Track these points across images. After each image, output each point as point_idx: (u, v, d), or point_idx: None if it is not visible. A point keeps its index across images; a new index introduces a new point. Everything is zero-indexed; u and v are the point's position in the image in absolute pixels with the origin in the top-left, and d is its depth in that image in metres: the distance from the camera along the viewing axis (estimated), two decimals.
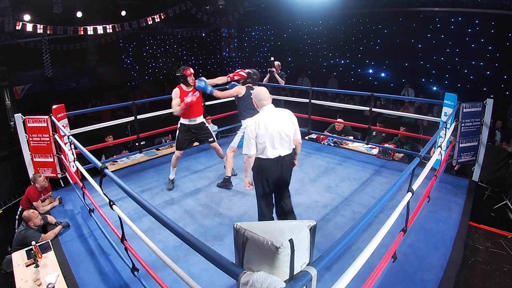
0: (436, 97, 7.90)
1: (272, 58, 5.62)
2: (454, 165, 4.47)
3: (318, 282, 1.26)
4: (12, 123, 8.27)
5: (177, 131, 4.08)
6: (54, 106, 4.11)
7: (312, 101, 5.49)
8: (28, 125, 4.10)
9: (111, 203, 2.34)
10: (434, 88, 8.76)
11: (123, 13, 9.27)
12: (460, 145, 4.17)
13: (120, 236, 2.37)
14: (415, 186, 2.33)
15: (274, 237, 1.23)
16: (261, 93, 2.63)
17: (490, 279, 2.62)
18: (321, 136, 5.66)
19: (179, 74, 3.91)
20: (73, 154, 3.88)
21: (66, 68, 10.43)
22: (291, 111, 2.72)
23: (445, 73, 8.47)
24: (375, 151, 5.10)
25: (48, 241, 3.08)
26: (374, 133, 5.52)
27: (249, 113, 3.62)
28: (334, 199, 3.75)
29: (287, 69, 7.56)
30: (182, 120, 4.01)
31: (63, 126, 4.04)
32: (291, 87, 7.40)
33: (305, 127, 5.40)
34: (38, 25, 7.91)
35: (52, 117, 4.05)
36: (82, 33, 8.63)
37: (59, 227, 3.32)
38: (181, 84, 3.94)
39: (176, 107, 3.82)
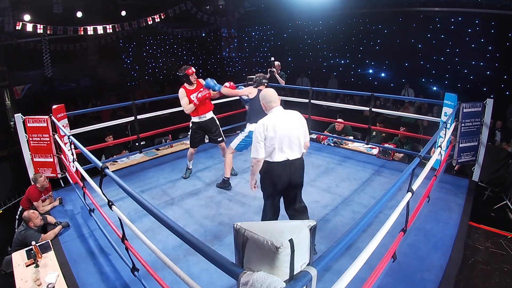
0: (436, 97, 7.90)
1: (272, 58, 5.63)
2: (454, 165, 4.47)
3: (318, 282, 1.26)
4: (12, 123, 8.27)
5: (190, 130, 4.22)
6: (54, 106, 4.10)
7: (312, 101, 5.49)
8: (28, 125, 4.10)
9: (110, 203, 2.34)
10: (434, 88, 8.76)
11: (123, 13, 9.26)
12: (460, 145, 4.17)
13: (121, 236, 2.37)
14: (415, 186, 2.33)
15: (274, 237, 1.23)
16: (269, 94, 2.58)
17: (490, 279, 2.62)
18: (321, 136, 5.66)
19: (181, 74, 4.00)
20: (73, 154, 3.88)
21: (66, 68, 10.41)
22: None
23: (445, 73, 8.47)
24: (375, 151, 5.10)
25: (48, 241, 3.08)
26: (374, 133, 5.52)
27: (257, 117, 3.61)
28: (334, 199, 3.75)
29: (287, 69, 7.56)
30: (193, 118, 4.14)
31: (63, 126, 4.04)
32: (291, 87, 7.41)
33: None
34: (38, 25, 7.90)
35: (52, 117, 4.05)
36: (82, 33, 8.62)
37: (59, 227, 3.32)
38: (185, 84, 4.05)
39: (187, 105, 3.95)
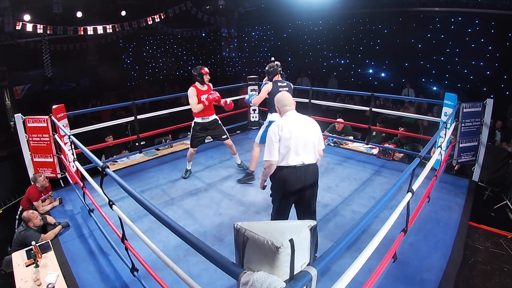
0: (436, 97, 7.91)
1: (273, 58, 5.63)
2: (454, 165, 4.47)
3: (318, 282, 1.26)
4: (12, 123, 8.27)
5: (191, 130, 4.26)
6: (54, 106, 4.10)
7: (312, 101, 5.49)
8: (28, 125, 4.10)
9: (111, 203, 2.34)
10: (434, 88, 8.76)
11: (123, 13, 9.26)
12: (460, 145, 4.17)
13: (121, 235, 2.37)
14: (415, 186, 2.33)
15: (274, 237, 1.23)
16: (284, 98, 2.52)
17: (490, 279, 2.62)
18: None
19: (195, 73, 4.06)
20: (73, 154, 3.88)
21: (66, 68, 10.42)
22: None
23: (445, 73, 8.47)
24: (375, 151, 5.10)
25: (48, 241, 3.08)
26: (374, 133, 5.52)
27: None
28: (334, 199, 3.75)
29: (287, 69, 7.56)
30: (196, 119, 4.18)
31: (63, 126, 4.04)
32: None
33: None
34: (38, 25, 7.90)
35: (52, 117, 4.05)
36: (82, 33, 8.62)
37: (59, 227, 3.32)
38: (196, 83, 4.09)
39: (196, 105, 4.00)
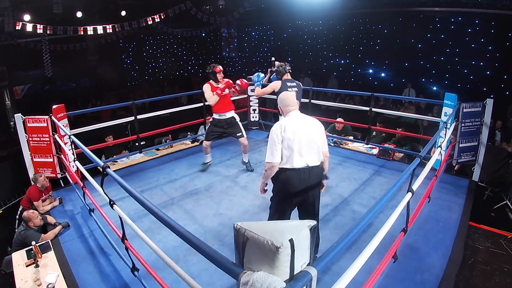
0: (436, 97, 7.91)
1: (273, 58, 5.64)
2: (454, 165, 4.47)
3: (318, 282, 1.26)
4: (12, 123, 8.27)
5: (209, 124, 4.40)
6: (54, 106, 4.10)
7: (312, 101, 5.49)
8: (28, 125, 4.10)
9: (112, 202, 2.34)
10: (434, 88, 8.76)
11: (123, 13, 9.26)
12: (460, 145, 4.17)
13: (121, 235, 2.37)
14: (415, 186, 2.32)
15: (274, 237, 1.23)
16: (286, 98, 2.44)
17: (490, 279, 2.62)
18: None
19: (209, 71, 4.17)
20: (73, 154, 3.88)
21: (66, 68, 10.43)
22: None
23: (445, 73, 8.47)
24: (375, 151, 5.10)
25: (48, 241, 3.08)
26: (374, 133, 5.52)
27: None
28: (334, 199, 3.75)
29: None
30: (213, 115, 4.34)
31: (63, 126, 4.04)
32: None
33: None
34: (38, 25, 7.90)
35: (52, 117, 4.05)
36: (82, 33, 8.62)
37: (59, 227, 3.32)
38: (211, 81, 4.22)
39: (212, 97, 4.11)
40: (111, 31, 9.09)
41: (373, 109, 4.98)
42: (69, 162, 4.00)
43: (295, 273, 1.26)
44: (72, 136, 3.51)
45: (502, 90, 7.54)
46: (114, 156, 5.31)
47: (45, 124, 4.09)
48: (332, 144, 5.51)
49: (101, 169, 2.41)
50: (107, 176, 2.39)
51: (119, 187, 2.15)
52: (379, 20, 9.33)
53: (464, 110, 4.03)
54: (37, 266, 2.78)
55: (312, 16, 10.27)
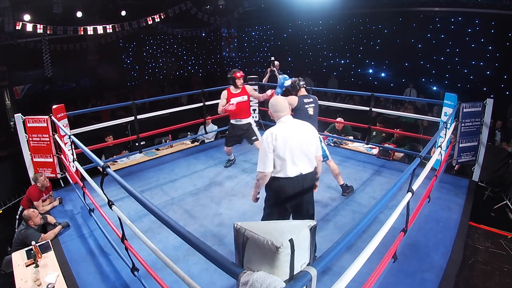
0: (436, 97, 7.90)
1: (273, 58, 5.65)
2: (454, 165, 4.47)
3: (318, 282, 1.26)
4: (12, 123, 8.27)
5: (227, 131, 4.65)
6: (54, 106, 4.10)
7: None
8: (28, 125, 4.10)
9: (110, 203, 2.34)
10: (434, 88, 8.76)
11: (123, 13, 9.26)
12: (460, 145, 4.17)
13: (121, 235, 2.37)
14: (415, 186, 2.32)
15: (274, 237, 1.23)
16: (277, 103, 2.37)
17: (490, 279, 2.62)
18: (321, 136, 5.64)
19: (229, 76, 4.24)
20: (73, 154, 3.88)
21: (66, 68, 10.42)
22: None
23: (445, 73, 8.47)
24: (375, 151, 5.10)
25: (48, 241, 3.08)
26: (374, 133, 5.52)
27: None
28: (334, 199, 3.75)
29: (287, 69, 7.56)
30: (231, 121, 4.49)
31: (63, 126, 4.04)
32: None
33: None
34: (38, 25, 7.90)
35: (52, 117, 4.05)
36: (82, 33, 8.61)
37: (59, 227, 3.32)
38: (230, 87, 4.29)
39: (221, 107, 4.21)
40: (111, 31, 9.08)
41: (373, 109, 4.98)
42: (69, 162, 4.00)
43: (295, 273, 1.25)
44: (72, 136, 3.51)
45: (502, 90, 7.54)
46: (114, 156, 5.31)
47: (45, 124, 4.09)
48: (332, 144, 5.51)
49: (101, 169, 2.41)
50: (108, 176, 2.39)
51: (119, 187, 2.15)
52: (379, 20, 9.32)
53: (464, 110, 4.03)
54: (37, 266, 2.78)
55: (312, 16, 10.26)
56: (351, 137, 5.58)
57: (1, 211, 4.99)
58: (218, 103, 6.16)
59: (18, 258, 2.89)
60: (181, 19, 10.18)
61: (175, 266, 1.77)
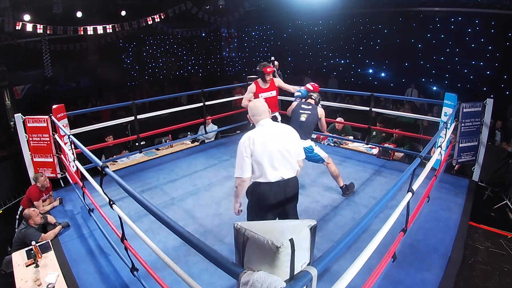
0: (436, 97, 7.90)
1: (273, 58, 5.64)
2: (454, 165, 4.47)
3: (318, 282, 1.26)
4: (12, 123, 8.26)
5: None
6: (54, 106, 4.10)
7: None
8: (28, 125, 4.10)
9: (111, 202, 2.34)
10: (434, 88, 8.76)
11: (123, 13, 9.26)
12: (460, 145, 4.17)
13: (120, 235, 2.37)
14: (415, 186, 2.32)
15: (275, 237, 1.23)
16: (255, 107, 2.29)
17: (490, 279, 2.62)
18: (321, 136, 5.66)
19: (258, 69, 4.03)
20: (73, 154, 3.88)
21: (66, 68, 10.43)
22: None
23: (445, 73, 8.47)
24: (375, 151, 5.10)
25: (48, 241, 3.08)
26: (374, 133, 5.52)
27: (310, 133, 3.60)
28: (334, 199, 3.75)
29: (287, 69, 7.56)
30: None
31: (63, 126, 4.04)
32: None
33: None
34: (38, 25, 7.90)
35: (52, 117, 4.05)
36: (82, 33, 8.61)
37: (59, 227, 3.32)
38: (259, 80, 4.07)
39: (246, 101, 3.97)
40: (111, 31, 9.08)
41: (373, 109, 4.98)
42: (69, 162, 4.00)
43: (295, 273, 1.26)
44: (71, 136, 3.51)
45: (502, 90, 7.54)
46: (114, 156, 5.31)
47: (45, 124, 4.09)
48: (332, 144, 5.51)
49: (100, 169, 2.41)
50: (107, 176, 2.39)
51: (119, 187, 2.15)
52: (379, 20, 9.33)
53: (464, 110, 4.03)
54: (37, 266, 2.78)
55: (312, 16, 10.27)
56: (351, 137, 5.59)
57: (1, 211, 4.99)
58: (218, 103, 6.14)
59: (18, 258, 2.90)
60: (181, 19, 10.19)
61: (175, 265, 1.77)
